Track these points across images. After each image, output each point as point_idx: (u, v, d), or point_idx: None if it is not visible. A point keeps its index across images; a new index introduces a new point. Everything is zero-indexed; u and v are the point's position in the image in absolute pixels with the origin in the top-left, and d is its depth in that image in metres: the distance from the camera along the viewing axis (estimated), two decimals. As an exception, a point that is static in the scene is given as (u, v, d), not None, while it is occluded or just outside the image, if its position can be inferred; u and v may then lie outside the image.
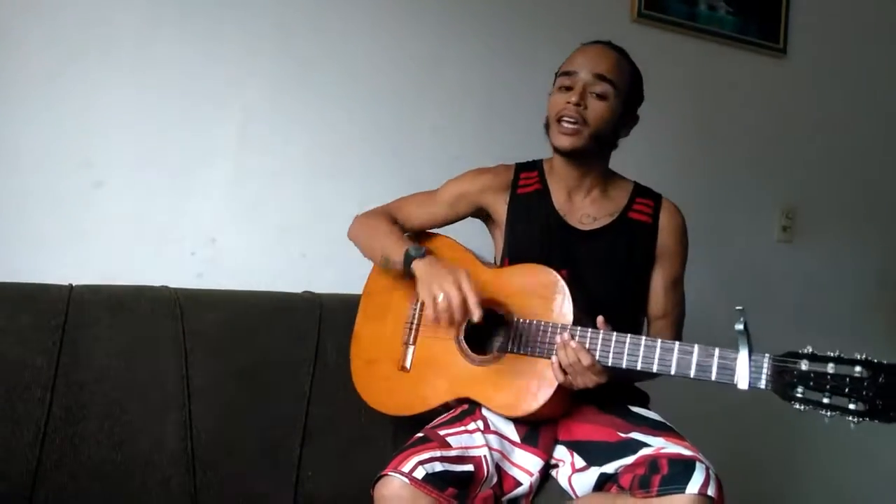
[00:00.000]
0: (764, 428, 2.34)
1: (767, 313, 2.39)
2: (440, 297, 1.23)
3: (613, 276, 1.38)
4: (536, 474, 1.30)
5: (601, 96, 1.33)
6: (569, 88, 1.34)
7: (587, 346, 1.21)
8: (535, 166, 1.47)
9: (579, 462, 1.28)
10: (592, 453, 1.27)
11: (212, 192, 1.73)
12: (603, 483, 1.24)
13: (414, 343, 1.41)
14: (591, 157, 1.38)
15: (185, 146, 1.70)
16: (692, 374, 1.14)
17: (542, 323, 1.27)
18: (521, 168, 1.47)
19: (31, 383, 1.33)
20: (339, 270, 1.79)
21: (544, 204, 1.42)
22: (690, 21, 2.24)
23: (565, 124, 1.33)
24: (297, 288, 1.64)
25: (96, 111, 1.63)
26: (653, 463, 1.16)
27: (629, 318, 1.40)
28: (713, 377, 1.12)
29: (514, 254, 1.41)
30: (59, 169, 1.61)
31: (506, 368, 1.30)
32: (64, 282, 1.45)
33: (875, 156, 2.57)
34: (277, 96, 1.79)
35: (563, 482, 1.30)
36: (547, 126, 1.39)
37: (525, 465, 1.30)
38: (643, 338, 1.19)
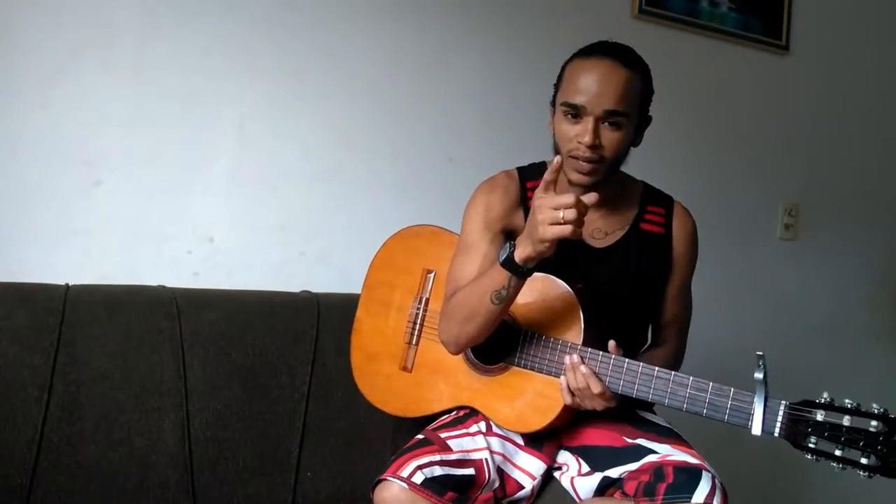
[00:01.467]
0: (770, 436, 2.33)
1: (770, 311, 2.39)
2: (561, 228, 1.10)
3: (627, 291, 1.33)
4: (539, 478, 1.29)
5: (615, 126, 1.22)
6: (575, 116, 1.23)
7: (597, 369, 1.17)
8: (540, 172, 1.35)
9: (584, 467, 1.27)
10: (597, 458, 1.26)
11: (209, 191, 1.72)
12: (605, 487, 1.23)
13: (417, 344, 1.39)
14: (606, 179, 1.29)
15: (184, 145, 1.70)
16: (704, 412, 1.11)
17: (552, 340, 1.23)
18: (525, 176, 1.37)
19: (28, 383, 1.33)
20: (337, 270, 1.79)
21: None
22: (692, 17, 2.22)
23: (582, 163, 1.23)
24: (295, 287, 1.64)
25: (95, 110, 1.63)
26: (658, 470, 1.15)
27: (640, 330, 1.39)
28: (725, 419, 1.10)
29: None
30: (58, 168, 1.60)
31: (512, 382, 1.27)
32: (61, 281, 1.45)
33: (878, 153, 2.56)
34: (276, 95, 1.78)
35: (566, 484, 1.29)
36: (556, 149, 1.28)
37: (528, 469, 1.29)
38: (655, 369, 1.15)
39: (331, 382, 1.53)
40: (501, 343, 1.31)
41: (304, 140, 1.81)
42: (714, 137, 2.31)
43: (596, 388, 1.16)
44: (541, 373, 1.24)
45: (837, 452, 1.01)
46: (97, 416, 1.36)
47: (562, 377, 1.19)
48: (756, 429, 1.07)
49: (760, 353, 1.07)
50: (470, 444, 1.24)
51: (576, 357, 1.18)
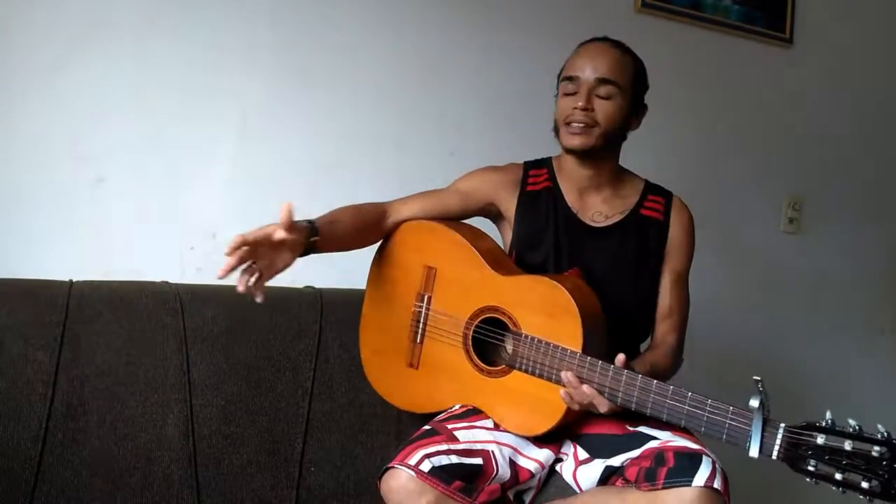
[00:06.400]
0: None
1: (774, 305, 2.39)
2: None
3: (625, 273, 1.38)
4: (546, 467, 1.30)
5: (606, 97, 1.34)
6: (573, 93, 1.35)
7: (595, 380, 1.18)
8: (545, 164, 1.47)
9: (582, 454, 1.28)
10: (598, 446, 1.27)
11: (212, 187, 1.72)
12: (608, 476, 1.24)
13: (422, 342, 1.40)
14: (602, 155, 1.38)
15: (186, 141, 1.70)
16: (703, 429, 1.12)
17: (552, 346, 1.23)
18: (529, 166, 1.47)
19: (32, 379, 1.33)
20: (340, 265, 1.77)
21: (554, 201, 1.42)
22: (695, 10, 2.22)
23: (574, 125, 1.34)
24: (298, 283, 1.63)
25: (97, 106, 1.63)
26: (659, 455, 1.16)
27: (640, 318, 1.40)
28: (724, 438, 1.09)
29: (522, 250, 1.41)
30: (60, 164, 1.61)
31: (514, 386, 1.28)
32: (64, 277, 1.45)
33: (881, 146, 2.55)
34: (278, 90, 1.79)
35: (568, 477, 1.29)
36: (556, 130, 1.39)
37: (537, 457, 1.30)
38: (654, 382, 1.15)
39: (334, 377, 1.53)
40: (503, 342, 1.33)
41: (306, 134, 1.81)
42: (717, 131, 2.30)
43: (602, 407, 1.18)
44: (541, 378, 1.24)
45: (838, 476, 0.99)
46: (101, 411, 1.37)
47: (562, 390, 1.20)
48: (754, 451, 1.06)
49: (758, 377, 1.06)
50: (477, 435, 1.25)
51: (570, 375, 1.19)
